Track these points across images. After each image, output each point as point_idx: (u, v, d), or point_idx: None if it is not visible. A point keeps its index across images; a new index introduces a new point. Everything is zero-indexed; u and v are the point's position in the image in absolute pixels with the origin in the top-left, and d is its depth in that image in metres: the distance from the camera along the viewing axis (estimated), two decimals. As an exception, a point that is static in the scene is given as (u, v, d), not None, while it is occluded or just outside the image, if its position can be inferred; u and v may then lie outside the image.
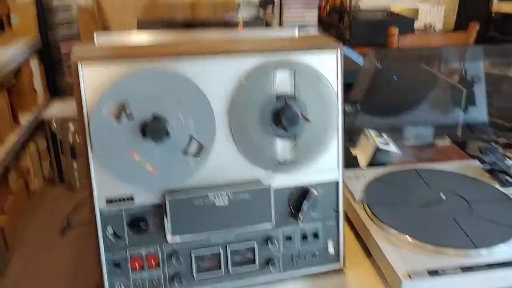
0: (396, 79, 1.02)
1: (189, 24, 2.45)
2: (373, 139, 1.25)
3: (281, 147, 0.80)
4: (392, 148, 1.24)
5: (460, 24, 3.23)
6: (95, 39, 0.82)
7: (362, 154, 1.23)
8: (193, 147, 0.75)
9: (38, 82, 2.86)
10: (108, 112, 0.70)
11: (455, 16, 3.28)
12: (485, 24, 3.03)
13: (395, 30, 2.10)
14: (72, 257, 2.23)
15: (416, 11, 3.23)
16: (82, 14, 3.01)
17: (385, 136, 1.27)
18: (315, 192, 0.83)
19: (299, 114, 0.77)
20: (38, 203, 2.69)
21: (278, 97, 0.78)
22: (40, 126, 2.80)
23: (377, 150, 1.23)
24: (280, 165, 0.80)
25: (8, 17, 2.81)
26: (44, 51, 2.91)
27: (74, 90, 0.71)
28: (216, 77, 0.75)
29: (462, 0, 3.20)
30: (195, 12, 2.98)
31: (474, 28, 2.32)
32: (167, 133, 0.71)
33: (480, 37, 2.40)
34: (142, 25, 2.23)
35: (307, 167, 0.83)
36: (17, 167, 2.56)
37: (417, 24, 3.10)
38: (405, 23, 2.87)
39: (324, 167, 0.84)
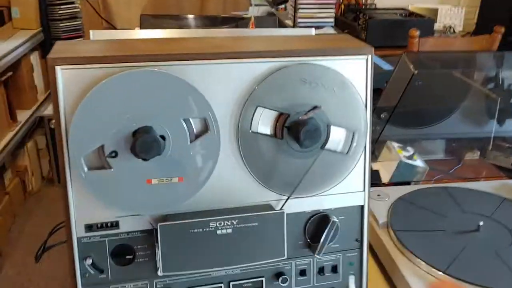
0: (418, 84, 0.88)
1: (196, 21, 2.32)
2: (397, 152, 1.12)
3: (298, 165, 0.67)
4: (418, 162, 1.11)
5: (481, 26, 3.08)
6: (91, 37, 0.70)
7: (384, 169, 1.10)
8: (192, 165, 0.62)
9: (38, 78, 2.75)
10: (89, 120, 0.58)
11: (476, 18, 3.13)
12: (508, 27, 2.87)
13: (416, 32, 1.96)
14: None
15: (435, 12, 3.08)
16: (86, 8, 2.90)
17: (410, 149, 1.14)
18: (335, 219, 0.70)
19: (321, 128, 0.64)
20: (35, 204, 2.58)
21: (296, 108, 0.65)
22: (40, 124, 2.68)
23: (402, 164, 1.09)
24: (295, 187, 0.67)
25: (9, 9, 2.70)
26: (46, 46, 2.79)
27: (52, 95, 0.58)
28: (223, 83, 0.63)
29: (484, 1, 3.05)
30: (204, 8, 2.85)
31: (499, 32, 2.17)
32: (159, 151, 0.58)
33: (502, 41, 2.25)
34: (145, 20, 2.11)
35: (328, 189, 0.70)
36: (13, 166, 2.44)
37: (436, 26, 2.95)
38: (425, 24, 2.72)
39: (348, 189, 0.71)
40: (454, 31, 3.02)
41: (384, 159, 1.13)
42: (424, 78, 0.78)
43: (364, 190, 0.72)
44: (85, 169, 0.59)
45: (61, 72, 0.57)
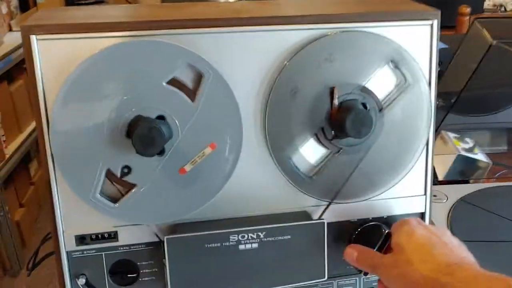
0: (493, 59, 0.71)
1: None
2: (454, 144, 0.96)
3: (342, 163, 0.53)
4: (480, 156, 0.94)
5: (535, 4, 2.81)
6: None
7: (439, 164, 0.94)
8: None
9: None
10: (75, 107, 0.45)
11: (530, -5, 2.86)
12: None
13: (467, 9, 1.76)
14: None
15: (484, -10, 2.83)
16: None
17: (469, 140, 0.97)
18: (389, 231, 0.56)
19: (372, 114, 0.50)
20: (62, 194, 2.53)
21: (339, 89, 0.50)
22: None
23: (460, 158, 0.93)
24: (338, 190, 0.53)
25: (34, -5, 2.63)
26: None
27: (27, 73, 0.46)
28: (245, 57, 0.49)
29: (539, -24, 2.77)
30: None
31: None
32: (163, 149, 0.45)
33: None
34: None
35: (379, 193, 0.55)
36: (39, 156, 2.39)
37: (485, 5, 2.71)
38: (473, 2, 2.49)
39: (405, 192, 0.57)
40: (505, 9, 2.76)
41: (439, 152, 0.96)
42: (501, 52, 0.62)
43: (425, 194, 0.57)
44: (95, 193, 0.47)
45: (37, 43, 0.44)
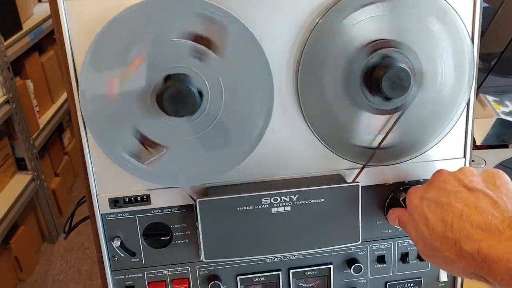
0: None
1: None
2: (493, 107, 0.92)
3: (377, 125, 0.51)
4: (521, 119, 0.90)
5: None
6: None
7: (477, 128, 0.90)
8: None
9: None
10: (102, 68, 0.44)
11: None
12: None
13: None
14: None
15: None
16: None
17: (509, 103, 0.93)
18: (426, 194, 0.54)
19: (410, 73, 0.47)
20: (95, 164, 2.59)
21: (375, 47, 0.48)
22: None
23: (499, 122, 0.89)
24: (374, 153, 0.51)
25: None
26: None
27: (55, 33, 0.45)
28: (275, 16, 0.47)
29: None
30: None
31: None
32: (195, 106, 0.44)
33: None
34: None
35: (416, 155, 0.53)
36: (72, 126, 2.44)
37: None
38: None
39: (443, 155, 0.54)
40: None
41: (476, 116, 0.92)
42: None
43: (464, 157, 0.55)
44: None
45: (64, 4, 0.43)
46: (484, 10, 1.12)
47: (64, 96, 2.24)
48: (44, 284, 1.84)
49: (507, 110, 0.92)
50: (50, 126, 2.03)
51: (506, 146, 0.91)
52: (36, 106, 1.93)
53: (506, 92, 0.94)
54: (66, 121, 2.36)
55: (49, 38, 2.11)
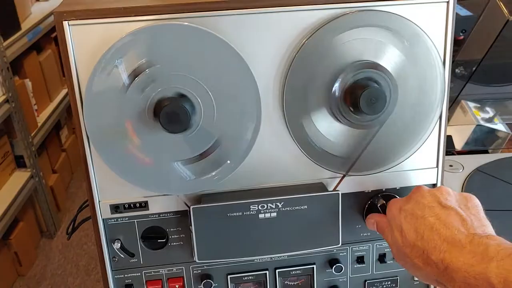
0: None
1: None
2: (473, 114, 0.97)
3: (356, 137, 0.55)
4: (499, 126, 0.95)
5: None
6: None
7: (457, 134, 0.95)
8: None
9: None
10: (105, 89, 0.49)
11: None
12: None
13: (496, -30, 1.70)
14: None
15: None
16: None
17: (489, 110, 0.98)
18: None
19: (386, 92, 0.52)
20: (92, 160, 2.62)
21: (355, 67, 0.53)
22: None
23: (478, 128, 0.94)
24: (353, 163, 0.56)
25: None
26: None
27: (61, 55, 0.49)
28: (263, 37, 0.51)
29: None
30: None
31: None
32: (188, 121, 0.48)
33: None
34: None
35: (393, 165, 0.58)
36: (69, 124, 2.47)
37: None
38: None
39: (417, 164, 0.59)
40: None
41: (457, 122, 0.98)
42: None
43: (437, 167, 0.60)
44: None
45: (70, 29, 0.48)
46: (470, 19, 1.17)
47: (62, 94, 2.27)
48: (43, 278, 1.89)
49: (487, 116, 0.97)
50: (48, 124, 2.07)
51: (486, 151, 0.96)
52: (35, 104, 1.96)
53: (487, 99, 0.99)
54: (64, 119, 2.39)
55: (47, 37, 2.15)
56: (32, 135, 1.89)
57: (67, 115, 2.43)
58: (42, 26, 2.01)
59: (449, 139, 0.92)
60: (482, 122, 0.95)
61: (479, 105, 0.99)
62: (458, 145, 0.94)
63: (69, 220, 2.17)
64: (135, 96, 0.49)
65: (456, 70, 0.87)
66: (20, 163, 1.89)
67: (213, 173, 0.54)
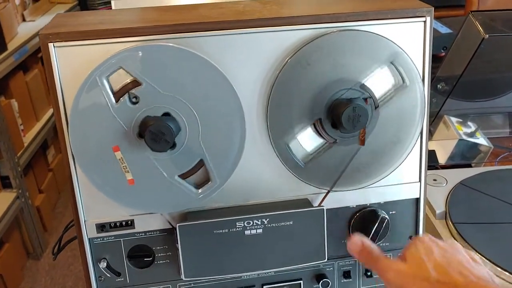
0: (487, 50, 0.74)
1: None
2: (456, 129, 0.98)
3: (340, 153, 0.56)
4: (482, 140, 0.97)
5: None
6: (113, 6, 0.62)
7: (440, 149, 0.97)
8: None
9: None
10: (90, 110, 0.49)
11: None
12: None
13: (475, -11, 1.75)
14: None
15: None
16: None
17: (471, 124, 1.00)
18: (385, 215, 0.60)
19: (367, 110, 0.53)
20: (79, 179, 2.61)
21: (337, 85, 0.54)
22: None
23: (461, 142, 0.96)
24: (337, 179, 0.57)
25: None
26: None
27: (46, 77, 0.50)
28: (247, 57, 0.53)
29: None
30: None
31: None
32: (171, 141, 0.49)
33: None
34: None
35: (376, 181, 0.59)
36: (56, 143, 2.46)
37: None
38: (484, -20, 2.46)
39: (400, 179, 0.60)
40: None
41: (441, 137, 0.99)
42: (495, 43, 0.65)
43: (419, 181, 0.61)
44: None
45: (55, 50, 0.48)
46: (448, 36, 1.19)
47: (48, 113, 2.27)
48: (29, 301, 1.85)
49: (469, 131, 0.98)
50: (35, 144, 2.05)
51: (469, 165, 0.97)
52: (21, 124, 1.95)
53: (469, 114, 1.01)
54: (50, 138, 2.38)
55: (34, 57, 2.15)
56: (18, 155, 1.87)
57: (54, 134, 2.41)
58: (28, 46, 2.02)
59: (432, 154, 0.94)
60: (464, 137, 0.96)
61: (461, 120, 1.00)
62: (442, 159, 0.96)
63: (56, 240, 2.15)
64: (120, 115, 0.49)
65: (438, 85, 0.89)
66: (5, 183, 1.87)
67: (199, 191, 0.54)
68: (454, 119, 1.00)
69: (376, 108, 0.55)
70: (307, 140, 0.55)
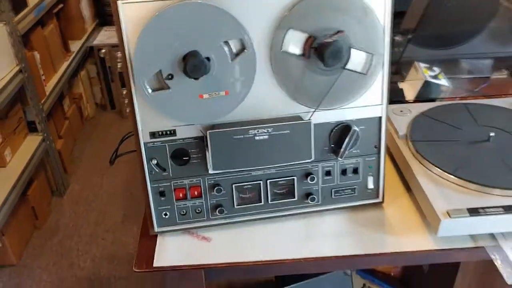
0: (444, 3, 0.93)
1: None
2: (423, 72, 1.20)
3: (323, 82, 0.78)
4: (443, 81, 1.19)
5: None
6: None
7: (410, 88, 1.19)
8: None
9: (85, 9, 2.89)
10: (147, 46, 0.70)
11: None
12: None
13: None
14: (125, 180, 2.37)
15: None
16: None
17: (436, 69, 1.21)
18: (356, 128, 0.82)
19: (344, 49, 0.74)
20: (91, 128, 2.82)
21: (323, 31, 0.75)
22: (90, 53, 2.86)
23: (426, 83, 1.18)
24: (321, 101, 0.79)
25: None
26: (91, -23, 2.89)
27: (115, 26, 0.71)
28: (258, 9, 0.73)
29: None
30: None
31: None
32: (206, 70, 0.70)
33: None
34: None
35: (350, 103, 0.81)
36: (70, 94, 2.66)
37: None
38: None
39: (367, 102, 0.82)
40: None
41: (411, 79, 1.21)
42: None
43: (382, 104, 0.82)
44: (149, 90, 0.73)
45: (122, 7, 0.69)
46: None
47: (64, 66, 2.45)
48: (57, 230, 2.11)
49: (433, 74, 1.20)
50: (55, 93, 2.25)
51: (433, 101, 1.19)
52: (43, 75, 2.15)
53: (435, 61, 1.22)
54: (66, 90, 2.58)
55: (49, 13, 2.31)
56: (42, 102, 2.08)
57: (68, 86, 2.61)
58: (45, 3, 2.18)
59: (401, 91, 1.15)
60: (429, 79, 1.18)
61: (428, 65, 1.22)
62: (411, 97, 1.17)
63: (75, 182, 2.39)
64: (168, 55, 0.71)
65: (408, 35, 1.10)
66: (31, 128, 2.09)
67: (221, 108, 0.76)
68: (422, 65, 1.21)
69: (349, 49, 0.76)
70: (301, 72, 0.77)
